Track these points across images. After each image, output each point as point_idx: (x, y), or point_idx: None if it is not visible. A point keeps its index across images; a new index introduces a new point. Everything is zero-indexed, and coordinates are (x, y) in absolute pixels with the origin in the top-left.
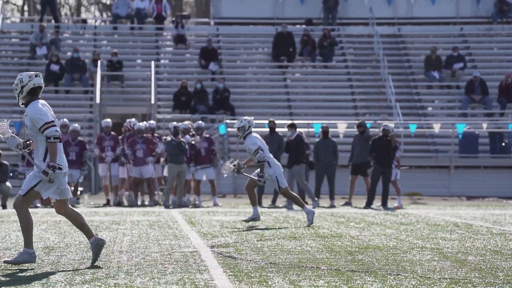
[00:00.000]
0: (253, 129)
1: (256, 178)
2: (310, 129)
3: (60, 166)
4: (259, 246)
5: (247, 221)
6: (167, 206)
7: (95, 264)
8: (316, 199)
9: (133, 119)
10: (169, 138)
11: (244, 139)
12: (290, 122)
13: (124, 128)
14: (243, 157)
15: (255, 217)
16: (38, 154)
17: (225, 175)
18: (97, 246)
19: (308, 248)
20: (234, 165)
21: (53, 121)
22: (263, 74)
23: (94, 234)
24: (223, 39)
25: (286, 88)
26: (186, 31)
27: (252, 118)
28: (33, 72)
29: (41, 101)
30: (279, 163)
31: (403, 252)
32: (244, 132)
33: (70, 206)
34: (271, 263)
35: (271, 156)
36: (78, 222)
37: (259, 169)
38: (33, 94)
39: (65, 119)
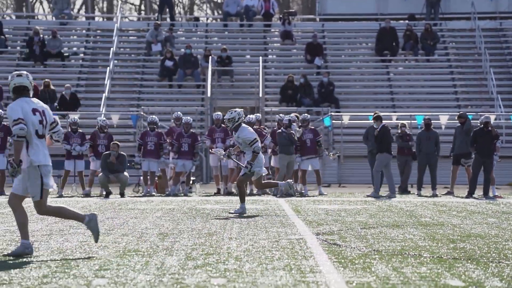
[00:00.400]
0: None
1: (243, 165)
2: (413, 121)
3: (15, 165)
4: (363, 234)
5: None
6: (275, 195)
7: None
8: (378, 192)
9: None
10: (279, 130)
11: (235, 130)
12: (376, 114)
13: None
14: (346, 148)
15: (242, 211)
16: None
17: (220, 156)
18: (26, 250)
19: (410, 236)
20: (226, 154)
21: (20, 119)
22: (367, 68)
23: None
24: (328, 34)
25: (389, 81)
26: (293, 28)
27: (242, 110)
28: (17, 72)
29: (26, 99)
30: (262, 156)
31: (504, 240)
32: (234, 123)
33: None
34: (374, 250)
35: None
36: (21, 216)
37: (250, 157)
38: (18, 93)
39: (178, 112)
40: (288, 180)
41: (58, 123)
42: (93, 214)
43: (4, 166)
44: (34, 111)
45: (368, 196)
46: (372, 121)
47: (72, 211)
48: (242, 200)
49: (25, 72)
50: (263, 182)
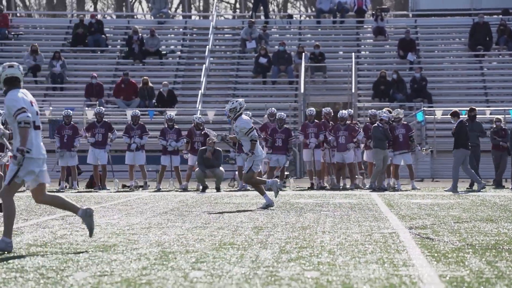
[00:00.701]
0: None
1: (235, 150)
2: (507, 116)
3: (28, 149)
4: (456, 228)
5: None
6: (371, 187)
7: (93, 234)
8: (456, 187)
9: (328, 108)
10: (375, 125)
11: (234, 120)
12: (453, 110)
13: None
14: (439, 143)
15: (269, 204)
16: (16, 141)
17: (214, 139)
18: (87, 215)
19: (505, 230)
20: (219, 135)
21: (24, 108)
22: (460, 63)
23: (79, 206)
24: (421, 30)
25: (482, 76)
26: (385, 24)
27: (243, 100)
28: (9, 63)
29: (21, 90)
30: (262, 150)
31: None
32: (236, 113)
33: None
34: (467, 244)
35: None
36: (59, 203)
37: (249, 146)
38: (10, 84)
39: (272, 108)
40: (275, 179)
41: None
42: (9, 245)
43: (105, 161)
44: (31, 103)
45: (446, 190)
46: (467, 117)
47: (12, 222)
48: (262, 193)
49: (16, 63)
50: (255, 178)
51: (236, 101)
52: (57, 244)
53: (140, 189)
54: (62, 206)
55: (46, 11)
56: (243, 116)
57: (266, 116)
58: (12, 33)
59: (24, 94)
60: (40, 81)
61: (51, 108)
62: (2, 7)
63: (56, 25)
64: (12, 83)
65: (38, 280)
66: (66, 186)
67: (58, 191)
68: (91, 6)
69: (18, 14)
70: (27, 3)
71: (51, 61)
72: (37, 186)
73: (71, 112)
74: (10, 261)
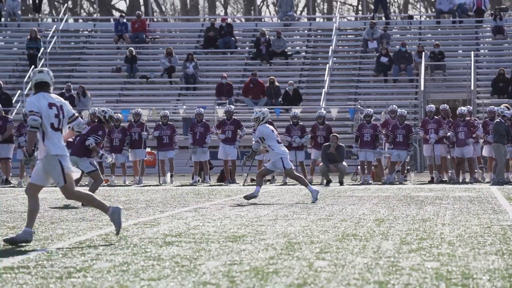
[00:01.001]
0: None
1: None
2: None
3: (31, 153)
4: None
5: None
6: (503, 182)
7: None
8: None
9: (444, 105)
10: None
11: None
12: None
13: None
14: None
15: (254, 194)
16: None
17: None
18: (27, 234)
19: None
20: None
21: (33, 111)
22: None
23: (32, 225)
24: None
25: None
26: (504, 23)
27: (267, 109)
28: (39, 69)
29: (44, 94)
30: (285, 148)
31: None
32: (259, 122)
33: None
34: None
35: (277, 144)
36: (32, 204)
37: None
38: (40, 88)
39: (393, 106)
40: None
41: (78, 117)
42: (117, 207)
43: (235, 156)
44: (51, 105)
45: None
46: None
47: (99, 200)
48: (258, 185)
49: (46, 69)
50: (294, 173)
51: (260, 111)
52: (191, 235)
53: (268, 183)
54: (31, 211)
55: (180, 16)
56: (262, 125)
57: (383, 113)
58: (149, 37)
59: (43, 97)
60: (175, 82)
61: (184, 107)
62: (140, 13)
63: (189, 29)
64: (42, 87)
65: (173, 268)
66: (198, 180)
67: (191, 184)
68: (221, 11)
69: (154, 19)
70: (163, 9)
71: (184, 62)
72: (38, 186)
73: (203, 110)
74: (148, 250)
